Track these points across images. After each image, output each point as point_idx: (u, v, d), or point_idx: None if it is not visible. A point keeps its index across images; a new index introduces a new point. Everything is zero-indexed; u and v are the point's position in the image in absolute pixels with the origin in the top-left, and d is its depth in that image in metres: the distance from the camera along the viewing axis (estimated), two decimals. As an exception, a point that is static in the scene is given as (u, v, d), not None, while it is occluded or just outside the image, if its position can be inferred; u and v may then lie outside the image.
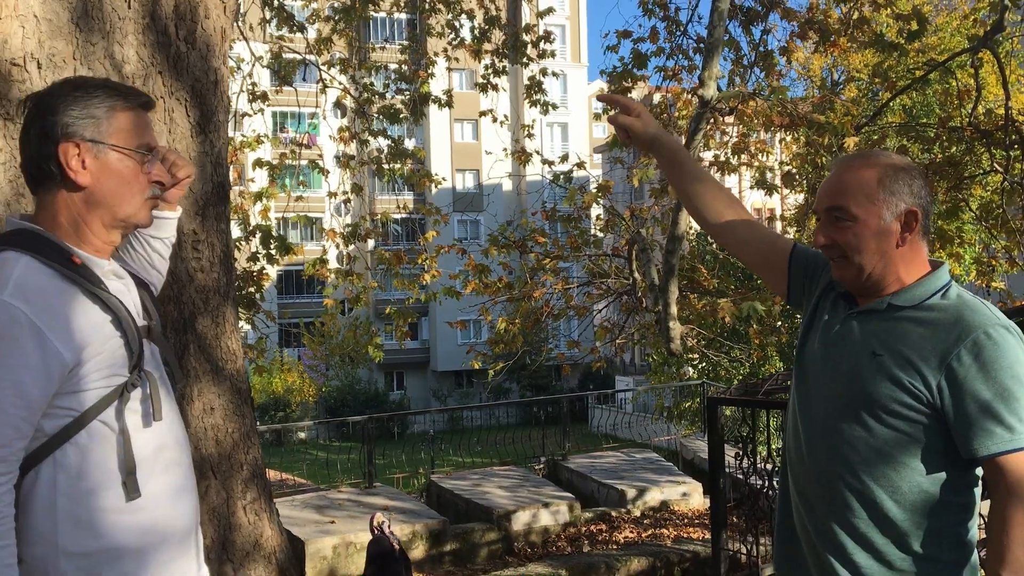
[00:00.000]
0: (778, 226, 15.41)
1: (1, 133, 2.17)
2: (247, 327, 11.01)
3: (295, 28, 10.41)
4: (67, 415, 1.63)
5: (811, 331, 2.08)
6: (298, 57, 10.68)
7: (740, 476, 4.78)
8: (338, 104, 10.89)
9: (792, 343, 14.57)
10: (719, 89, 6.76)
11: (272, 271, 13.02)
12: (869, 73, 13.67)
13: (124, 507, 1.66)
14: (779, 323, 14.58)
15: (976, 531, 1.96)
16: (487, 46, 10.76)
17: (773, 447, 4.34)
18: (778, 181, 11.12)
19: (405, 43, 11.58)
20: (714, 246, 21.47)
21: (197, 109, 2.70)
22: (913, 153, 11.69)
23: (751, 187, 10.00)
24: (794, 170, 9.73)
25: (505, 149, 12.08)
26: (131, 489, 1.66)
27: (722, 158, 9.75)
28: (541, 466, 11.99)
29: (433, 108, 11.11)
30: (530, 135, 11.18)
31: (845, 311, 2.02)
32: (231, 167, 10.65)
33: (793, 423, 2.05)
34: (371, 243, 25.77)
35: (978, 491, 1.94)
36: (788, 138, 10.08)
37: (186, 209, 2.68)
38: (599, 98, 2.58)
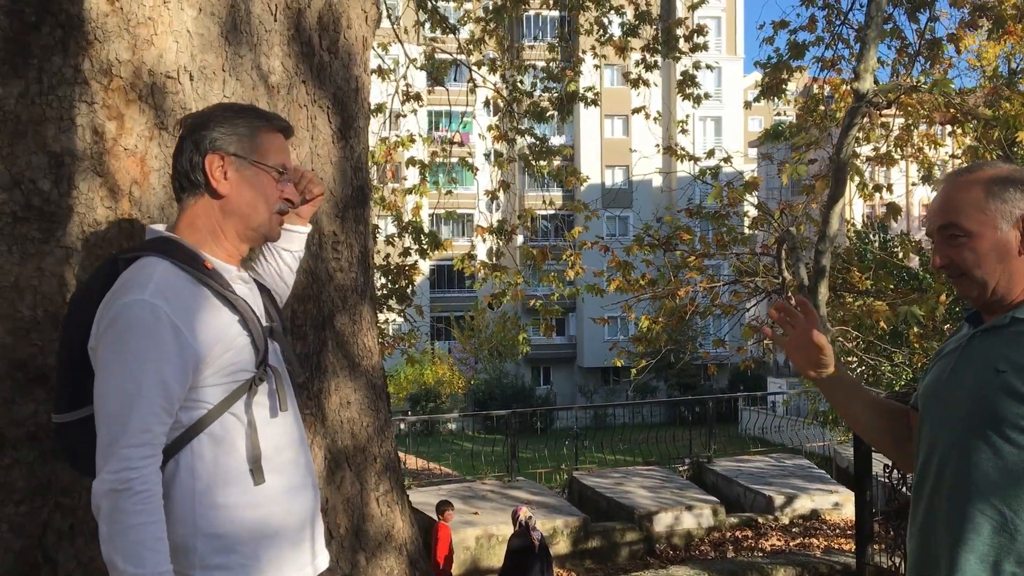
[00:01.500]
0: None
1: (157, 142, 2.32)
2: (399, 319, 11.39)
3: (448, 30, 10.65)
4: (202, 407, 1.77)
5: (937, 359, 2.01)
6: (449, 58, 10.91)
7: (891, 487, 4.56)
8: (487, 103, 11.07)
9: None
10: (876, 82, 6.42)
11: (424, 266, 13.41)
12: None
13: (249, 496, 1.79)
14: (945, 326, 13.74)
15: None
16: (637, 42, 10.66)
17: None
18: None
19: (554, 41, 11.62)
20: (875, 244, 20.48)
21: (339, 116, 2.81)
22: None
23: (913, 184, 9.46)
24: (953, 166, 9.10)
25: (657, 145, 11.94)
26: (258, 475, 1.79)
27: (883, 150, 9.28)
28: (685, 468, 11.80)
29: (582, 104, 11.12)
30: (684, 130, 11.00)
31: (970, 332, 1.93)
32: (387, 166, 11.09)
33: (924, 450, 1.96)
34: (520, 239, 26.09)
35: None
36: (959, 131, 9.48)
37: (327, 212, 2.80)
38: (775, 307, 2.23)
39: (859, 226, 21.65)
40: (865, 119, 7.18)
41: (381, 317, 10.79)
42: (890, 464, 4.26)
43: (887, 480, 4.40)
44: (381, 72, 10.34)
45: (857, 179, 9.79)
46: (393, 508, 2.93)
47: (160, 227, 1.92)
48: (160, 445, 1.71)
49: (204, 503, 1.75)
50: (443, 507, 8.05)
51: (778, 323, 2.17)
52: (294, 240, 2.18)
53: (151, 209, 2.32)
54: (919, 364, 14.55)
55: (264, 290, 2.02)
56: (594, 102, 10.83)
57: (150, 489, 1.66)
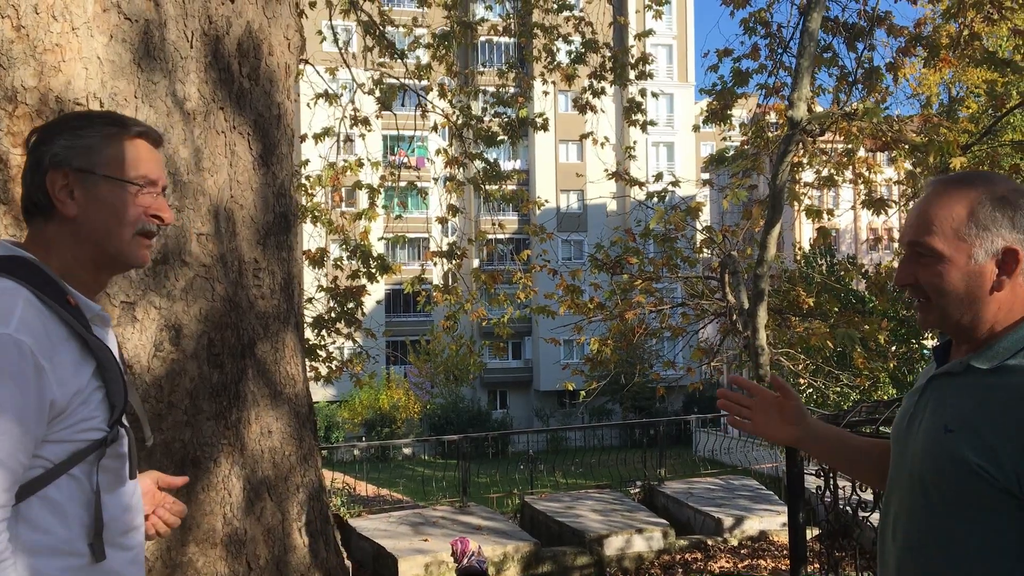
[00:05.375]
0: (895, 248, 14.83)
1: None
2: (350, 343, 11.32)
3: (396, 55, 10.68)
4: (40, 466, 1.52)
5: (908, 395, 1.80)
6: (397, 83, 10.94)
7: (829, 507, 4.61)
8: (435, 128, 11.11)
9: (903, 369, 13.93)
10: (810, 109, 6.56)
11: (380, 290, 13.32)
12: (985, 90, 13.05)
13: (88, 568, 1.57)
14: (891, 348, 13.99)
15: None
16: (585, 69, 10.80)
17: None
18: (895, 198, 10.72)
19: (504, 68, 11.72)
20: (823, 267, 20.84)
21: (260, 142, 2.80)
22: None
23: (852, 206, 9.64)
24: (899, 191, 9.33)
25: (606, 170, 12.06)
26: (97, 552, 1.57)
27: (824, 175, 9.47)
28: (637, 490, 11.82)
29: (534, 130, 11.22)
30: (631, 156, 11.12)
31: (929, 372, 1.74)
32: (332, 190, 11.06)
33: (887, 492, 1.80)
34: (476, 263, 26.13)
35: None
36: (899, 157, 9.72)
37: (247, 238, 2.78)
38: (722, 394, 2.10)
39: (807, 250, 22.04)
40: (800, 146, 7.30)
41: (331, 341, 10.73)
42: (823, 484, 4.30)
43: (821, 500, 4.44)
44: (328, 96, 10.33)
45: (804, 203, 9.99)
46: (317, 539, 2.89)
47: (11, 242, 1.66)
48: (9, 507, 1.47)
49: (29, 573, 1.50)
50: None
51: (729, 411, 2.04)
52: None
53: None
54: (864, 386, 14.81)
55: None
56: (543, 127, 10.92)
57: (6, 560, 1.45)
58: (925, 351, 15.93)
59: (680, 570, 8.96)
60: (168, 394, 2.46)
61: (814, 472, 4.60)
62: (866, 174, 9.83)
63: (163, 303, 2.48)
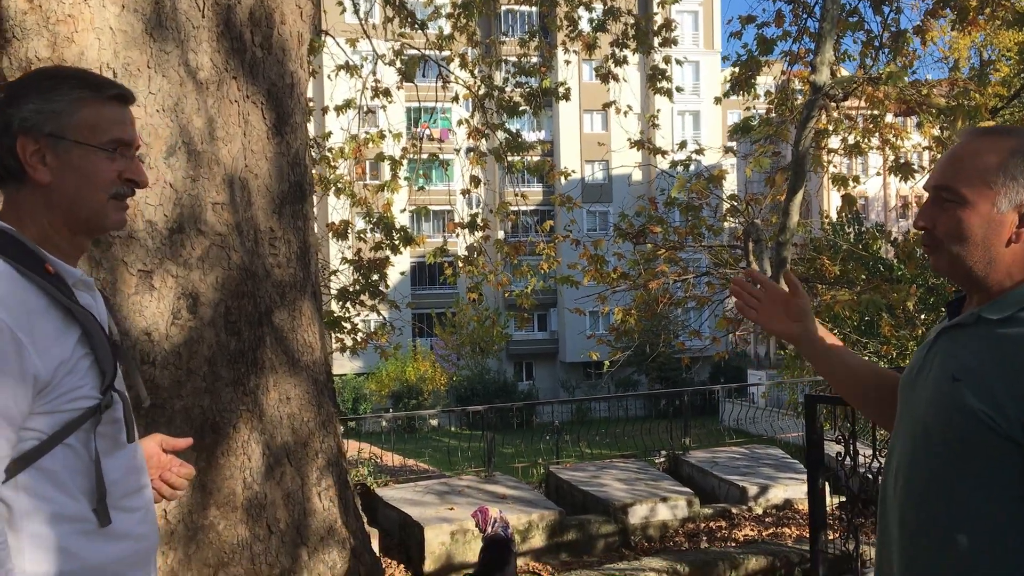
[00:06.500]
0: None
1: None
2: (375, 315, 11.39)
3: (417, 25, 10.64)
4: (34, 438, 1.51)
5: (918, 351, 1.79)
6: (418, 54, 10.91)
7: (850, 474, 4.60)
8: (456, 99, 11.08)
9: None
10: (833, 74, 6.46)
11: (405, 262, 13.39)
12: (1017, 52, 12.77)
13: (95, 532, 1.58)
14: (920, 316, 13.84)
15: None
16: (607, 37, 10.69)
17: (878, 447, 4.15)
18: (924, 163, 10.58)
19: (526, 37, 11.63)
20: (850, 235, 20.62)
21: (274, 111, 2.81)
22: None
23: (878, 172, 9.51)
24: (928, 156, 9.18)
25: (629, 140, 11.98)
26: (102, 516, 1.58)
27: (851, 141, 9.34)
28: (661, 460, 11.85)
29: (562, 100, 11.15)
30: (655, 125, 11.02)
31: (940, 326, 1.74)
32: (355, 163, 11.08)
33: (891, 443, 1.80)
34: (501, 234, 26.13)
35: None
36: (927, 122, 9.56)
37: (262, 207, 2.80)
38: (735, 281, 2.15)
39: (834, 218, 21.82)
40: (823, 112, 7.20)
41: (355, 313, 10.80)
42: (843, 450, 4.30)
43: (842, 466, 4.43)
44: (349, 68, 10.32)
45: (830, 170, 9.87)
46: (336, 503, 2.94)
47: None
48: None
49: (33, 541, 1.51)
50: None
51: (739, 298, 2.08)
52: None
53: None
54: (892, 355, 14.70)
55: (103, 297, 1.75)
56: (566, 97, 10.85)
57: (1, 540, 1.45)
58: (954, 319, 15.74)
59: (705, 538, 8.99)
60: (187, 361, 2.51)
61: (835, 439, 4.60)
62: (893, 140, 9.68)
63: (180, 271, 2.52)
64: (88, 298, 1.64)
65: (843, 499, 7.45)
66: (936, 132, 10.28)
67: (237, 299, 2.64)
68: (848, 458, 4.24)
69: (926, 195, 1.73)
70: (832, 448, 5.15)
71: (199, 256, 2.53)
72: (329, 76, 10.49)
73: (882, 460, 4.11)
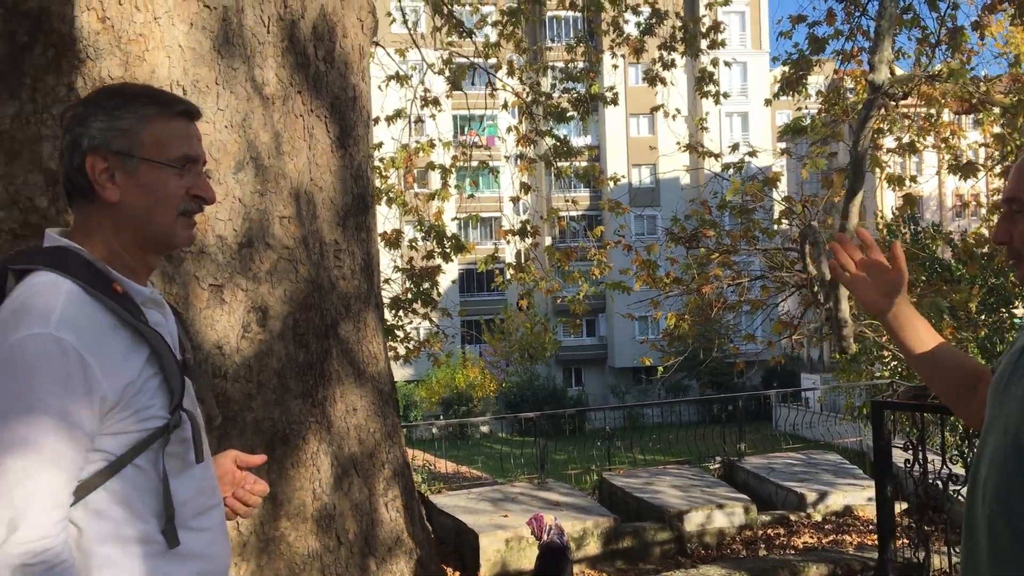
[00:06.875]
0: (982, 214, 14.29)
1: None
2: (425, 323, 11.46)
3: (464, 34, 10.69)
4: (102, 459, 1.50)
5: (1009, 350, 1.77)
6: (467, 62, 10.96)
7: (918, 481, 4.49)
8: (505, 106, 11.11)
9: (993, 338, 13.42)
10: (892, 73, 6.33)
11: (454, 270, 13.47)
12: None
13: (164, 554, 1.56)
14: (981, 317, 13.51)
15: None
16: (654, 40, 10.64)
17: (948, 454, 4.05)
18: (983, 162, 10.33)
19: (572, 42, 11.62)
20: (907, 235, 20.21)
21: (337, 125, 2.83)
22: None
23: (937, 172, 9.31)
24: (986, 154, 8.96)
25: (678, 143, 11.91)
26: (171, 538, 1.56)
27: (905, 140, 9.16)
28: (716, 466, 11.70)
29: (610, 104, 11.13)
30: (703, 128, 10.93)
31: None
32: (406, 172, 11.17)
33: (980, 446, 1.77)
34: (548, 240, 26.13)
35: None
36: (987, 119, 9.33)
37: (328, 220, 2.82)
38: (837, 237, 2.05)
39: (889, 218, 21.41)
40: (882, 111, 7.06)
41: (408, 321, 10.88)
42: (911, 458, 4.20)
43: (910, 473, 4.33)
44: (399, 78, 10.41)
45: (885, 171, 9.69)
46: (403, 513, 2.94)
47: (58, 232, 1.61)
48: (68, 507, 1.45)
49: (105, 565, 1.50)
50: None
51: (836, 255, 1.97)
52: None
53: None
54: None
55: (176, 313, 1.74)
56: (613, 101, 10.82)
57: (67, 561, 1.42)
58: (1017, 320, 15.36)
59: (763, 545, 8.85)
60: (257, 374, 2.53)
61: (901, 445, 4.49)
62: (950, 139, 9.48)
63: (249, 285, 2.54)
64: (157, 316, 1.64)
65: (906, 506, 7.28)
66: (996, 129, 10.04)
67: (304, 312, 2.66)
68: (917, 465, 4.14)
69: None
70: (897, 455, 5.04)
71: (267, 270, 2.55)
72: (379, 87, 10.60)
73: (951, 467, 4.02)
